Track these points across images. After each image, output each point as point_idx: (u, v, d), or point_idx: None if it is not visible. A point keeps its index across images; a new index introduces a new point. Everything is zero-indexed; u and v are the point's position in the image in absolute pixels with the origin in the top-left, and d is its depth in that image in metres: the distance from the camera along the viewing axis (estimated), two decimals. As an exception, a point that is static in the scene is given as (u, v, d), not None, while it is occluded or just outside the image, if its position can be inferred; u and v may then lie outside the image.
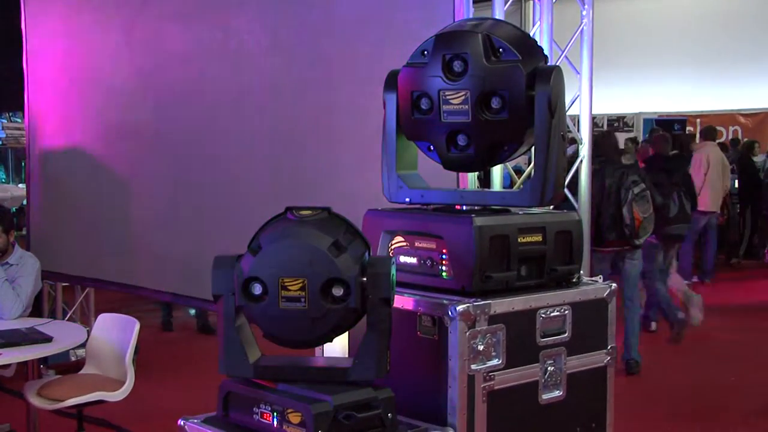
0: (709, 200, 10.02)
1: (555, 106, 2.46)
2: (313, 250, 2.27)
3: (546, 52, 3.68)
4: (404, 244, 2.63)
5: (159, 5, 5.51)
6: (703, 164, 10.05)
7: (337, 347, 2.65)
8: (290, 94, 4.70)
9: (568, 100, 4.00)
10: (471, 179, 3.87)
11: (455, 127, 2.55)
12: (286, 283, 2.26)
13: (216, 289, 2.31)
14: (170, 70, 5.42)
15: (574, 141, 4.30)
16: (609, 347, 2.71)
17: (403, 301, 2.50)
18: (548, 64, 2.57)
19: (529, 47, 2.54)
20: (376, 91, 4.21)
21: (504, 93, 2.46)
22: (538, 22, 4.01)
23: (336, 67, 4.49)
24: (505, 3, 3.96)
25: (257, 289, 2.28)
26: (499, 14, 3.87)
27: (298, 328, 2.30)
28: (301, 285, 2.26)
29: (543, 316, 2.52)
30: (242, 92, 4.96)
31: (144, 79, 5.60)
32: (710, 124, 11.84)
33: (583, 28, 4.04)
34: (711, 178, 10.08)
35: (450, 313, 2.35)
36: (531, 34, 3.89)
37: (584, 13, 4.01)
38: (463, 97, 2.51)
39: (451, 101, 2.53)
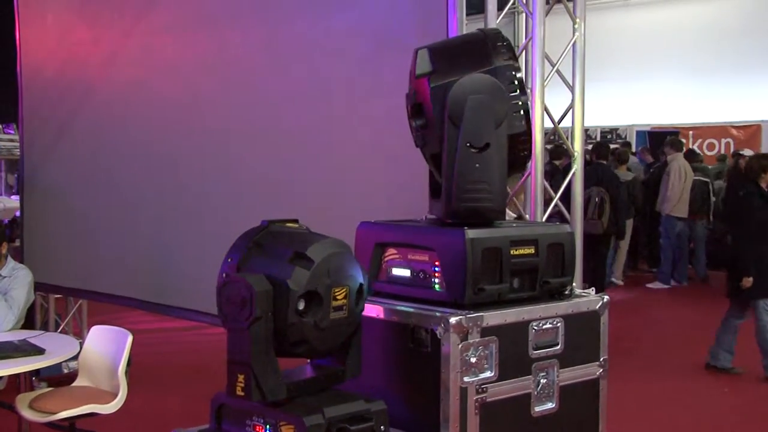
0: (671, 207, 11.08)
1: (460, 116, 2.45)
2: (351, 258, 2.32)
3: (538, 65, 3.71)
4: (397, 256, 2.64)
5: (154, 17, 5.52)
6: (680, 174, 11.03)
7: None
8: (284, 106, 4.71)
9: (559, 113, 4.04)
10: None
11: (415, 138, 2.64)
12: (335, 294, 2.26)
13: (260, 311, 2.16)
14: (165, 82, 5.43)
15: (566, 153, 4.31)
16: (601, 359, 2.71)
17: (395, 314, 2.50)
18: (509, 71, 2.54)
19: (466, 58, 2.54)
20: (370, 103, 4.24)
21: (421, 105, 2.53)
22: (531, 35, 4.03)
23: (329, 79, 4.50)
24: (498, 16, 3.98)
25: (301, 304, 2.21)
26: (491, 27, 3.89)
27: (339, 336, 2.33)
28: (345, 293, 2.28)
29: (535, 328, 2.52)
30: (236, 104, 4.97)
31: (138, 90, 5.60)
32: (676, 137, 12.57)
33: (575, 41, 4.06)
34: (674, 185, 10.99)
35: (443, 325, 2.35)
36: (522, 47, 3.92)
37: (576, 26, 4.03)
38: (409, 111, 2.61)
39: (409, 115, 2.64)
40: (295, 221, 2.40)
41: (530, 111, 2.57)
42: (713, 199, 11.77)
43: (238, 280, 2.19)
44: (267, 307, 2.17)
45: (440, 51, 2.58)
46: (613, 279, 11.16)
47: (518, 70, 2.59)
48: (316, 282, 2.21)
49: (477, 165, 2.46)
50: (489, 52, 2.54)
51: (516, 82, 2.53)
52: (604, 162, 9.82)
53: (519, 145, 2.57)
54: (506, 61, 2.53)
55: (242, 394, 2.20)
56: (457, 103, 2.45)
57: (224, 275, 2.28)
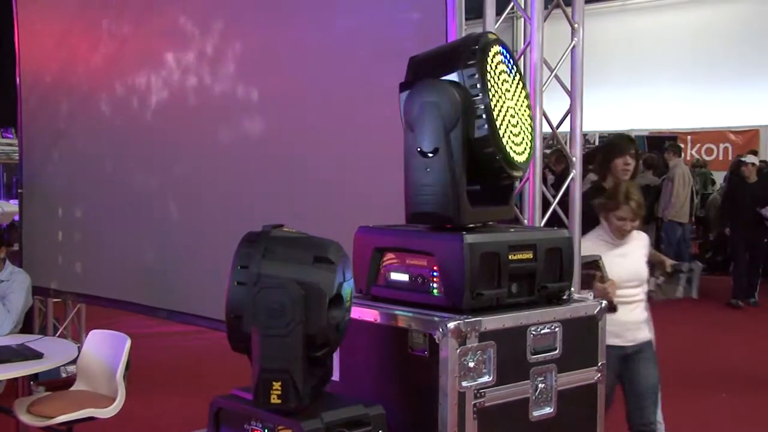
0: (674, 212, 11.21)
1: (412, 122, 2.50)
2: (350, 260, 2.36)
3: (537, 70, 3.71)
4: (395, 261, 2.64)
5: (155, 21, 5.52)
6: (684, 180, 11.15)
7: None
8: (284, 110, 4.71)
9: (557, 118, 4.04)
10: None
11: None
12: (347, 295, 2.30)
13: (299, 316, 2.17)
14: (164, 86, 5.43)
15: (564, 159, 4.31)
16: (599, 364, 2.71)
17: (393, 318, 2.50)
18: (472, 74, 2.49)
19: (436, 65, 2.55)
20: (369, 108, 4.24)
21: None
22: (529, 40, 4.03)
23: (329, 83, 4.51)
24: (496, 21, 3.98)
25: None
26: (488, 31, 3.88)
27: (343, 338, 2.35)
28: (351, 294, 2.33)
29: (533, 333, 2.53)
30: (235, 109, 4.97)
31: (137, 95, 5.61)
32: (675, 142, 12.81)
33: (573, 46, 4.06)
34: (678, 191, 11.10)
35: (441, 329, 2.35)
36: (521, 52, 3.92)
37: (575, 31, 4.03)
38: None
39: None
40: (282, 226, 2.40)
41: (493, 114, 2.49)
42: (695, 201, 11.92)
43: (274, 286, 2.19)
44: (303, 311, 2.18)
45: (423, 59, 2.60)
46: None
47: (483, 72, 2.49)
48: (340, 285, 2.25)
49: (427, 170, 2.49)
50: (455, 57, 2.53)
51: (478, 86, 2.47)
52: None
53: (486, 149, 2.51)
54: (471, 66, 2.48)
55: (279, 401, 2.18)
56: (409, 110, 2.50)
57: (236, 283, 2.26)
